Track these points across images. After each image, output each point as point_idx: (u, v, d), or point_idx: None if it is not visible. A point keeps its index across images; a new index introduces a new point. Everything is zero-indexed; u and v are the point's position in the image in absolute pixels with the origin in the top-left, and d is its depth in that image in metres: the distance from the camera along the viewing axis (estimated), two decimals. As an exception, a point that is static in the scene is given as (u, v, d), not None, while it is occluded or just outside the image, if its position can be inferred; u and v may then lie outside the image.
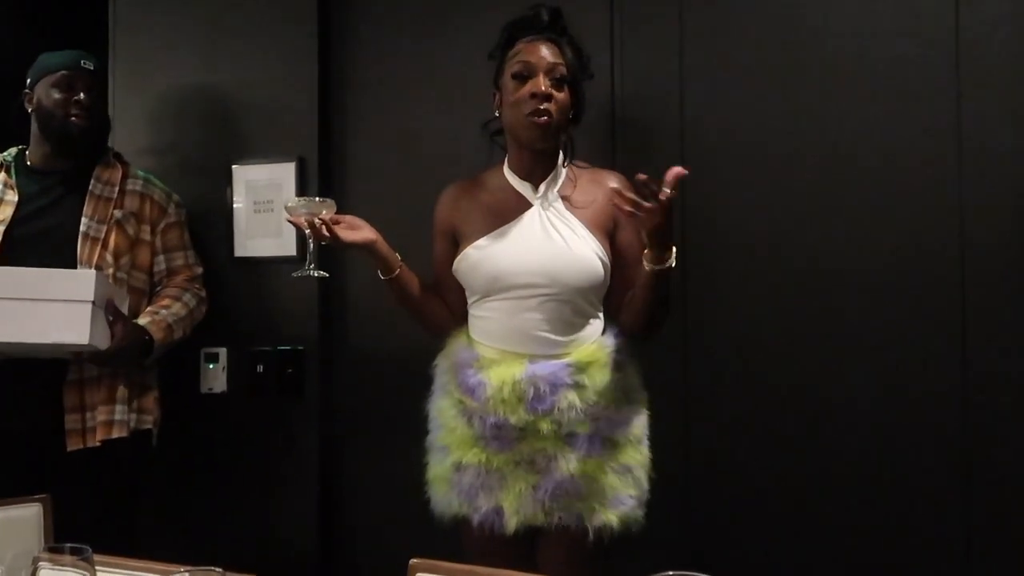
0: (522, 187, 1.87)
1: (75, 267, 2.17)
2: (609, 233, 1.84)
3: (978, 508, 2.01)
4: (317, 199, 1.85)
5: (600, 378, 1.77)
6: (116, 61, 2.69)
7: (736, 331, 2.18)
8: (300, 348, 2.48)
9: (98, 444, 2.14)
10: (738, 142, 2.19)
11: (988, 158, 2.03)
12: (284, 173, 2.49)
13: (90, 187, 2.24)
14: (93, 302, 2.00)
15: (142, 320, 2.20)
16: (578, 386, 1.76)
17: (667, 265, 1.71)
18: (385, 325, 2.43)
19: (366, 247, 1.86)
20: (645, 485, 1.83)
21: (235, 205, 2.54)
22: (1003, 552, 2.00)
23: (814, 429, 2.11)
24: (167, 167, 2.56)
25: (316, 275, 1.87)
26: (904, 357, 2.07)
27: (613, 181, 1.87)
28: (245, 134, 2.56)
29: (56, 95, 2.22)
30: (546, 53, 1.81)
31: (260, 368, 2.49)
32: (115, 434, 2.16)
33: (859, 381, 2.10)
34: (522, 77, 1.80)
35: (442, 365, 1.89)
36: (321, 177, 2.49)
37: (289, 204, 1.84)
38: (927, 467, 2.04)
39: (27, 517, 1.79)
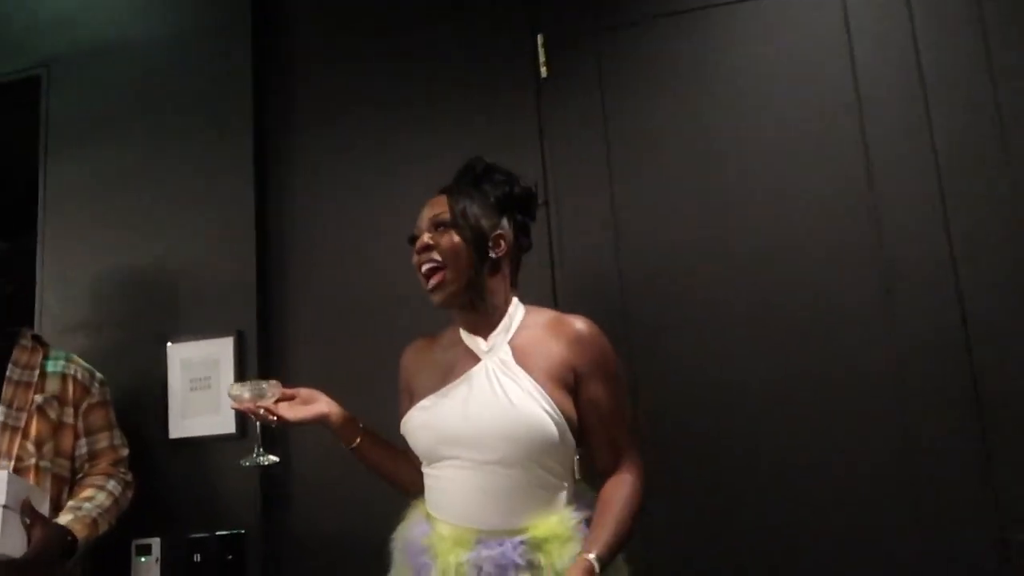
0: (471, 341, 1.72)
1: None
2: (569, 387, 1.65)
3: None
4: (262, 383, 1.77)
5: (560, 557, 1.55)
6: (45, 241, 2.64)
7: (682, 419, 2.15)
8: (241, 532, 2.32)
9: None
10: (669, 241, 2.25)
11: (904, 249, 2.09)
12: (222, 349, 2.41)
13: (7, 373, 2.14)
14: (5, 506, 1.85)
15: (63, 518, 2.03)
16: (532, 567, 1.55)
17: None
18: (332, 504, 2.32)
19: (317, 422, 1.78)
20: None
21: (170, 384, 2.44)
22: None
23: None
24: (99, 347, 2.48)
25: (266, 462, 1.81)
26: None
27: (574, 326, 1.68)
28: (180, 310, 2.49)
29: None
30: (428, 209, 1.74)
31: (197, 557, 2.32)
32: None
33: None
34: (412, 241, 1.75)
35: (397, 540, 1.72)
36: (260, 351, 2.42)
37: (233, 391, 1.77)
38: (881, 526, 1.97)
39: None
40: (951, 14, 2.15)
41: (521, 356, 1.65)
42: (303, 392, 1.80)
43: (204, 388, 2.42)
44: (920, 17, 2.17)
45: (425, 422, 1.67)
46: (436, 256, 1.68)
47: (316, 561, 2.33)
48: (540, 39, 2.40)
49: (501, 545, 1.56)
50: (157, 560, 2.35)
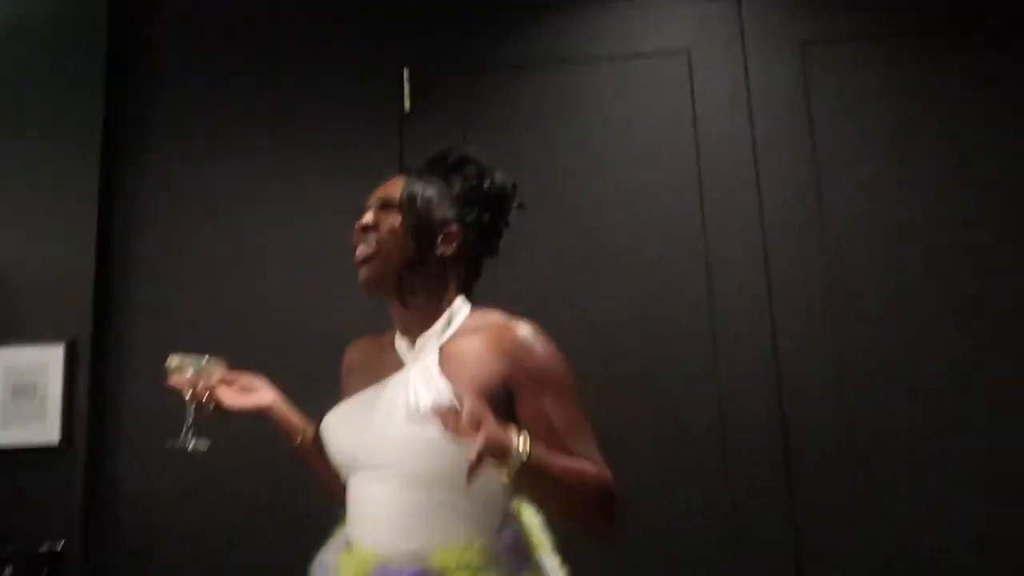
0: (400, 343, 1.53)
1: None
2: (501, 402, 1.39)
3: None
4: (206, 357, 1.56)
5: None
6: None
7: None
8: (60, 544, 2.24)
9: None
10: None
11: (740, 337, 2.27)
12: (51, 356, 2.32)
13: None
14: None
15: None
16: None
17: (512, 469, 1.26)
18: (161, 521, 2.28)
19: (259, 413, 1.59)
20: None
21: (-11, 390, 2.32)
22: None
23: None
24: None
25: (196, 447, 1.55)
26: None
27: (515, 333, 1.44)
28: (9, 312, 2.37)
29: None
30: (385, 186, 1.55)
31: (8, 571, 2.22)
32: None
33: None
34: (359, 216, 1.55)
35: (316, 558, 1.53)
36: (94, 360, 2.35)
37: (172, 363, 1.54)
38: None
39: None
40: (784, 103, 2.39)
41: (448, 363, 1.44)
42: (244, 379, 1.60)
43: (28, 395, 2.31)
44: (757, 108, 2.39)
45: (334, 429, 1.50)
46: (372, 237, 1.49)
47: (140, 579, 2.28)
48: (406, 73, 2.45)
49: (402, 572, 1.36)
50: (-37, 576, 2.23)
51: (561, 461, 1.34)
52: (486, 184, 1.58)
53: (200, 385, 1.53)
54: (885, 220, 2.32)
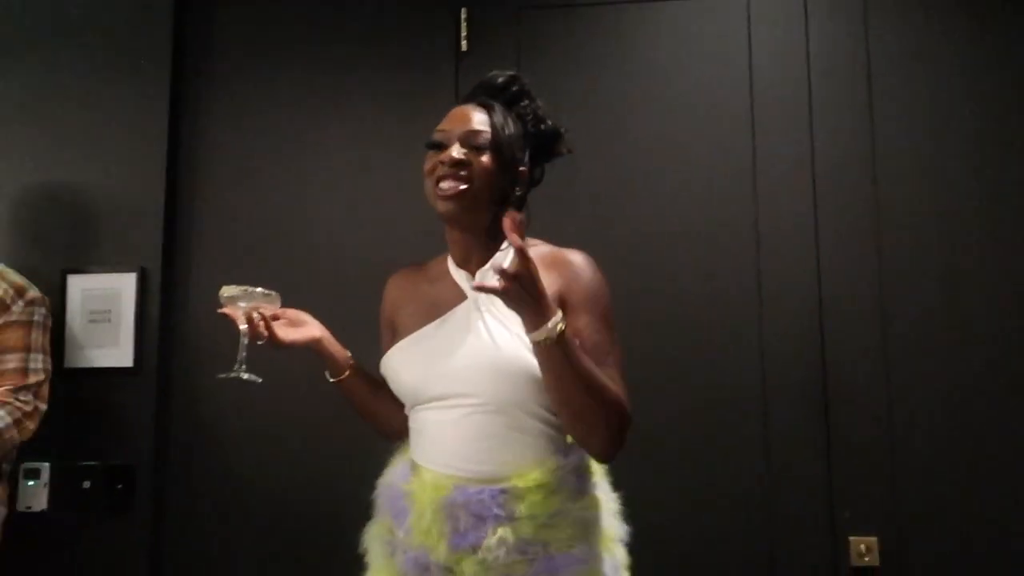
0: (458, 275, 1.56)
1: None
2: None
3: None
4: (260, 290, 1.56)
5: (542, 508, 1.42)
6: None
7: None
8: (132, 464, 2.39)
9: None
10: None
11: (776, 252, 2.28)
12: (124, 284, 2.44)
13: None
14: None
15: None
16: (512, 518, 1.41)
17: (550, 336, 1.32)
18: (228, 438, 2.41)
19: (309, 346, 1.61)
20: None
21: (68, 314, 2.46)
22: None
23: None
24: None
25: (246, 377, 1.56)
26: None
27: (567, 257, 1.52)
28: (83, 241, 2.49)
29: None
30: (468, 117, 1.54)
31: (86, 484, 2.38)
32: None
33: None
34: (436, 145, 1.53)
35: (380, 484, 1.60)
36: (164, 289, 2.47)
37: (226, 293, 1.56)
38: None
39: None
40: (842, 36, 2.37)
41: None
42: (290, 313, 1.62)
43: (104, 321, 2.45)
44: (814, 38, 2.37)
45: (405, 362, 1.55)
46: (463, 174, 1.49)
47: (205, 497, 2.42)
48: (463, 12, 2.48)
49: (480, 494, 1.43)
50: (45, 485, 2.38)
51: (588, 362, 1.38)
52: (545, 126, 1.60)
53: (255, 316, 1.54)
54: (941, 175, 2.30)
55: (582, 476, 1.50)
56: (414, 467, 1.53)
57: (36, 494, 2.39)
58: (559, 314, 1.33)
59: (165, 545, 2.40)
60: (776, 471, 2.25)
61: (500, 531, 1.40)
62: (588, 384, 1.37)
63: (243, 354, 1.56)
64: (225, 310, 1.56)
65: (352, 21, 2.55)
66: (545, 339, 1.32)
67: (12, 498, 2.34)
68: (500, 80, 1.60)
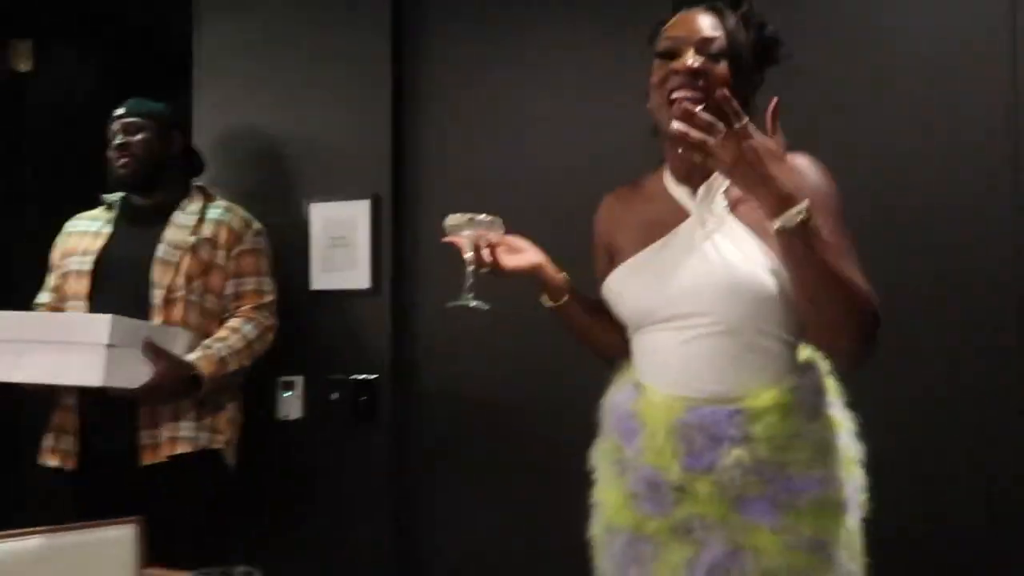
0: (678, 192, 1.52)
1: (150, 289, 2.29)
2: None
3: None
4: (484, 217, 1.54)
5: (779, 429, 1.38)
6: (200, 99, 2.84)
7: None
8: (374, 376, 2.57)
9: (165, 460, 2.23)
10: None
11: None
12: (359, 210, 2.61)
13: (172, 216, 2.40)
14: (109, 345, 2.06)
15: (194, 355, 2.26)
16: (748, 439, 1.37)
17: (791, 223, 1.25)
18: (456, 355, 2.54)
19: (531, 272, 1.59)
20: (850, 569, 1.42)
21: (312, 240, 2.66)
22: None
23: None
24: (249, 202, 2.63)
25: (474, 305, 1.55)
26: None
27: (800, 160, 1.44)
28: (322, 173, 2.68)
29: (111, 143, 2.41)
30: (701, 23, 1.45)
31: (335, 396, 2.59)
32: (179, 450, 2.25)
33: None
34: (668, 54, 1.45)
35: (605, 404, 1.59)
36: (395, 214, 2.61)
37: (450, 222, 1.54)
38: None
39: (122, 538, 1.92)
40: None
41: (736, 207, 1.45)
42: (508, 239, 1.59)
43: (343, 246, 2.63)
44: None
45: (631, 284, 1.51)
46: (701, 84, 1.41)
47: (442, 409, 2.58)
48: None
49: (714, 415, 1.40)
50: (299, 396, 2.63)
51: (834, 256, 1.30)
52: (767, 32, 1.51)
53: (482, 242, 1.53)
54: None
55: (818, 396, 1.44)
56: (640, 388, 1.51)
57: (292, 404, 2.64)
58: (804, 202, 1.25)
59: (406, 450, 2.59)
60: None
61: (736, 452, 1.37)
62: (834, 278, 1.29)
63: (470, 281, 1.55)
64: (450, 238, 1.56)
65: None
66: (783, 226, 1.25)
67: (271, 408, 2.63)
68: None
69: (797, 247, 1.28)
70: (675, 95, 1.42)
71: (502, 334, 2.46)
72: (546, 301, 1.64)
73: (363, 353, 2.60)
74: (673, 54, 1.45)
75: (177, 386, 2.21)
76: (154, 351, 2.17)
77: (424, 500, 2.57)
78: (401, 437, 2.58)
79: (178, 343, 2.26)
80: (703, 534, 1.40)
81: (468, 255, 1.53)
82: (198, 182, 2.54)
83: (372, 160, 2.63)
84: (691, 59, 1.42)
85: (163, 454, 2.24)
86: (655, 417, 1.44)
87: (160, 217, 2.40)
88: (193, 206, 2.44)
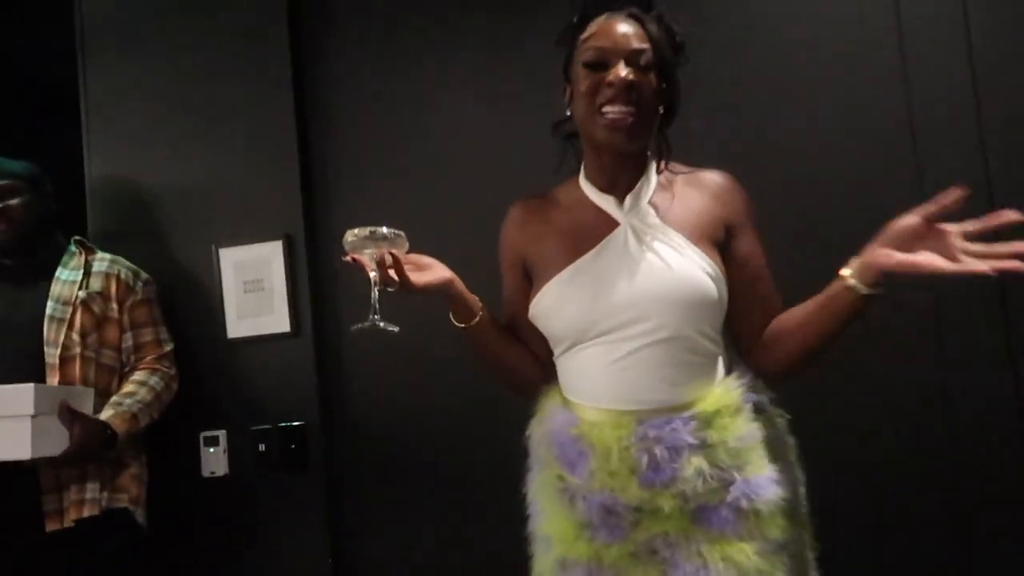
0: (604, 201, 1.48)
1: (42, 349, 2.20)
2: (720, 245, 1.46)
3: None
4: (385, 230, 1.41)
5: (732, 431, 1.38)
6: (91, 143, 2.70)
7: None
8: (301, 423, 2.47)
9: (72, 524, 2.15)
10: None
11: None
12: (272, 252, 2.51)
13: (57, 274, 2.31)
14: (32, 415, 2.01)
15: (104, 413, 2.20)
16: (705, 445, 1.36)
17: (874, 291, 1.32)
18: (385, 391, 2.47)
19: (441, 290, 1.47)
20: (809, 566, 1.44)
21: (224, 286, 2.54)
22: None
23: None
24: (150, 252, 2.56)
25: (383, 326, 1.42)
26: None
27: (715, 178, 1.49)
28: (229, 216, 2.57)
29: None
30: (627, 34, 1.42)
31: (262, 447, 2.48)
32: (86, 513, 2.17)
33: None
34: (596, 64, 1.42)
35: (536, 433, 1.52)
36: (310, 252, 2.52)
37: (349, 238, 1.42)
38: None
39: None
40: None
41: (664, 215, 1.45)
42: (413, 257, 1.46)
43: (258, 290, 2.52)
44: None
45: (566, 299, 1.45)
46: (634, 97, 1.40)
47: (374, 449, 2.48)
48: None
49: (670, 423, 1.37)
50: (224, 451, 2.51)
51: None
52: (679, 37, 1.48)
53: (387, 259, 1.38)
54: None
55: (756, 394, 1.44)
56: (576, 409, 1.45)
57: (217, 460, 2.52)
58: (847, 280, 1.34)
59: (341, 496, 2.49)
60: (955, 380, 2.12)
61: (695, 460, 1.35)
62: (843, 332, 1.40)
63: (375, 300, 1.43)
64: (353, 256, 1.42)
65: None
66: (868, 292, 1.33)
67: (196, 465, 2.51)
68: None
69: (859, 310, 1.34)
70: (608, 108, 1.40)
71: (432, 368, 2.41)
72: (457, 322, 1.52)
73: (289, 399, 2.49)
74: (602, 65, 1.42)
75: (95, 447, 2.15)
76: (70, 414, 2.10)
77: (362, 546, 2.48)
78: (335, 483, 2.49)
79: (86, 404, 2.19)
80: (668, 553, 1.36)
81: (372, 273, 1.40)
82: (76, 237, 2.43)
83: (281, 199, 2.53)
84: (624, 71, 1.39)
85: (69, 519, 2.16)
86: (604, 437, 1.39)
87: (43, 276, 2.31)
88: (75, 261, 2.35)
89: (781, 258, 1.55)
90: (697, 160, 1.54)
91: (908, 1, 2.19)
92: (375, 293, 1.42)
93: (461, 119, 2.49)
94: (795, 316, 1.43)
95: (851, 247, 1.35)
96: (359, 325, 1.42)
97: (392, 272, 1.38)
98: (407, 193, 2.50)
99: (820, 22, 2.26)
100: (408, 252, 1.44)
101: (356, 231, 1.40)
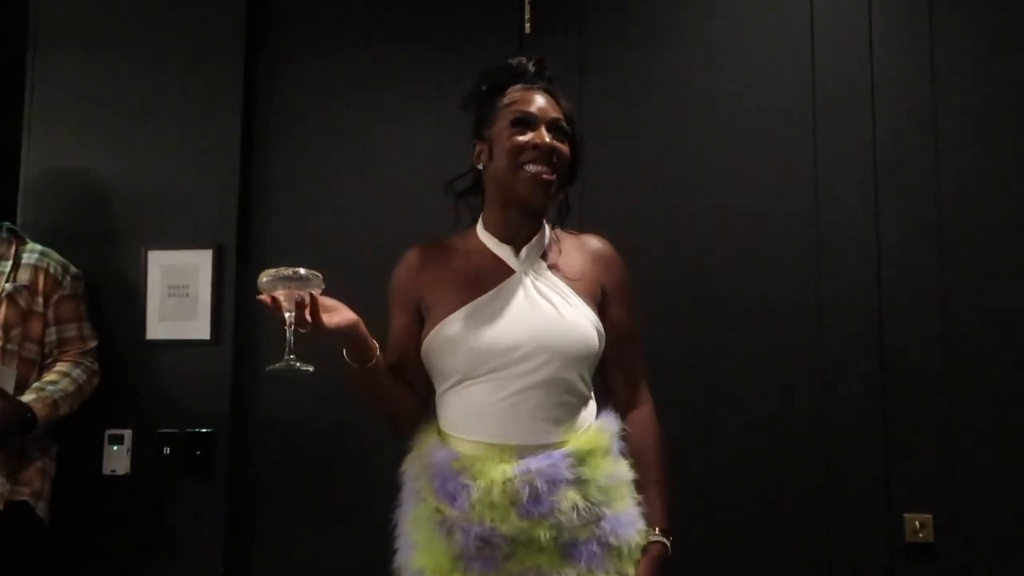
0: (501, 250, 1.61)
1: None
2: (599, 304, 1.61)
3: None
4: (304, 271, 1.40)
5: (604, 469, 1.50)
6: (31, 135, 2.70)
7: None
8: (210, 431, 2.50)
9: None
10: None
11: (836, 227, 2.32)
12: (201, 260, 2.55)
13: None
14: None
15: (27, 396, 2.22)
16: (579, 481, 1.47)
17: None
18: (298, 408, 2.51)
19: (348, 332, 1.49)
20: None
21: (148, 288, 2.57)
22: None
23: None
24: (79, 248, 2.56)
25: (299, 367, 1.43)
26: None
27: (598, 244, 1.68)
28: (161, 219, 2.60)
29: None
30: (546, 104, 1.59)
31: (167, 450, 2.50)
32: None
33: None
34: (523, 125, 1.56)
35: (412, 469, 1.58)
36: (239, 264, 2.57)
37: (264, 279, 1.41)
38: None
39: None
40: (904, 24, 2.38)
41: (555, 268, 1.61)
42: (322, 298, 1.46)
43: (182, 295, 2.56)
44: (877, 16, 2.39)
45: (463, 336, 1.53)
46: (555, 161, 1.57)
47: (279, 464, 2.53)
48: (528, -7, 2.52)
49: (549, 458, 1.47)
50: (128, 450, 2.52)
51: (668, 492, 1.60)
52: (570, 107, 1.66)
53: (306, 299, 1.39)
54: (1001, 145, 2.31)
55: (618, 439, 1.58)
56: (452, 443, 1.54)
57: (120, 458, 2.52)
58: (659, 539, 1.56)
59: (241, 506, 2.52)
60: (833, 448, 2.29)
61: (570, 494, 1.46)
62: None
63: (290, 342, 1.42)
64: (273, 295, 1.40)
65: (418, 5, 2.61)
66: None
67: (97, 462, 2.51)
68: (534, 64, 1.65)
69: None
70: (531, 168, 1.55)
71: (343, 389, 2.46)
72: (353, 362, 1.54)
73: (200, 406, 2.52)
74: (528, 127, 1.57)
75: (14, 427, 2.17)
76: None
77: (256, 558, 2.51)
78: (238, 494, 2.52)
79: (8, 383, 2.21)
80: None
81: (287, 314, 1.39)
82: (8, 224, 2.44)
83: (217, 210, 2.58)
84: (548, 137, 1.56)
85: None
86: (487, 471, 1.47)
87: None
88: (4, 250, 2.35)
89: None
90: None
91: (822, 80, 2.40)
92: (289, 334, 1.41)
93: (404, 145, 2.58)
94: (643, 458, 1.59)
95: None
96: (274, 366, 1.44)
97: (307, 314, 1.39)
98: (342, 217, 2.57)
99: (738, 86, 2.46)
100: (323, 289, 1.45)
101: (272, 271, 1.40)
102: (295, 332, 1.41)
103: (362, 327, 1.52)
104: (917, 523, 2.23)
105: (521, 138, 1.56)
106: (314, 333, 1.42)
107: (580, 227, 1.73)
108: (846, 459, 2.29)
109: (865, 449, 2.28)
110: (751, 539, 2.30)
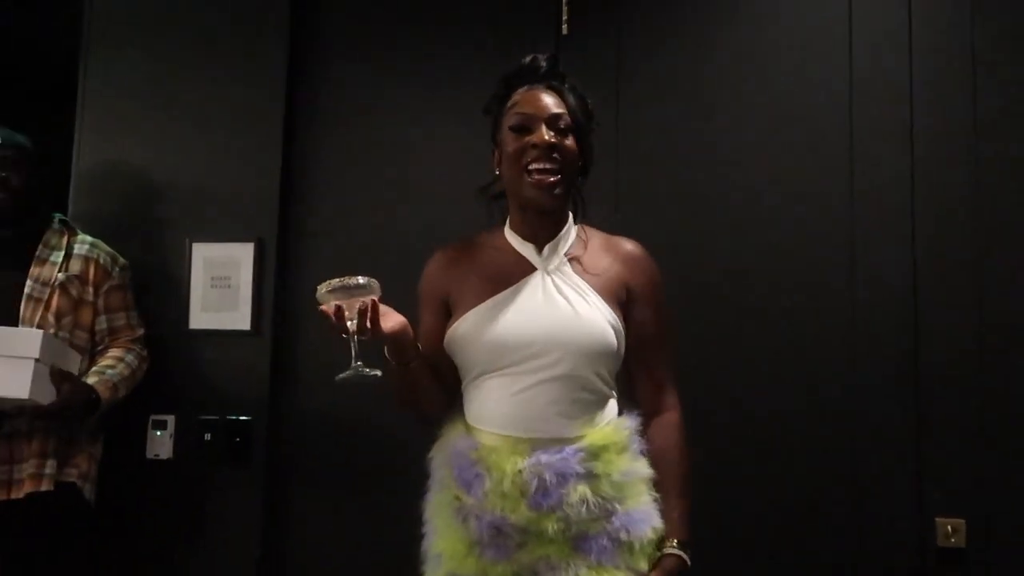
0: (524, 248, 1.64)
1: (17, 326, 2.27)
2: (622, 304, 1.62)
3: None
4: (362, 280, 1.44)
5: (616, 466, 1.52)
6: (83, 131, 2.79)
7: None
8: (248, 418, 2.57)
9: (22, 497, 2.19)
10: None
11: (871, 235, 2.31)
12: (243, 252, 2.63)
13: (37, 252, 2.38)
14: (37, 359, 2.13)
15: (90, 379, 2.30)
16: (590, 476, 1.50)
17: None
18: (335, 399, 2.56)
19: (400, 335, 1.52)
20: None
21: (192, 279, 2.65)
22: None
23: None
24: (126, 240, 2.63)
25: (367, 372, 1.47)
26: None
27: (629, 247, 1.67)
28: (205, 213, 2.68)
29: None
30: (547, 101, 1.60)
31: (208, 436, 2.58)
32: (41, 487, 2.21)
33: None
34: (522, 129, 1.59)
35: (438, 457, 1.62)
36: (279, 258, 2.63)
37: (324, 289, 1.45)
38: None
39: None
40: (947, 25, 2.36)
41: (581, 268, 1.62)
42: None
43: (224, 287, 2.63)
44: (917, 24, 2.37)
45: (481, 330, 1.57)
46: (556, 157, 1.57)
47: (316, 453, 2.59)
48: (565, -4, 2.55)
49: (560, 452, 1.50)
50: (171, 436, 2.60)
51: (686, 501, 1.60)
52: (590, 103, 1.67)
53: (363, 306, 1.43)
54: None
55: (639, 437, 1.59)
56: (475, 433, 1.57)
57: (163, 443, 2.61)
58: (676, 552, 1.55)
59: (279, 493, 2.59)
60: (864, 450, 2.29)
61: (580, 488, 1.48)
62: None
63: (355, 350, 1.46)
64: (323, 307, 1.45)
65: (456, 5, 2.65)
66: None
67: (141, 446, 2.60)
68: (544, 63, 1.66)
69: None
70: (533, 167, 1.57)
71: (381, 384, 2.51)
72: (393, 359, 1.55)
73: (240, 394, 2.59)
74: (526, 129, 1.59)
75: (79, 408, 2.25)
76: (61, 373, 2.21)
77: (291, 544, 2.57)
78: (275, 480, 2.58)
79: (74, 366, 2.30)
80: (549, 575, 1.50)
81: (351, 323, 1.43)
82: (59, 215, 2.51)
83: (258, 205, 2.65)
84: (547, 134, 1.57)
85: (23, 491, 2.20)
86: (500, 461, 1.51)
87: (23, 251, 2.37)
88: (56, 240, 2.42)
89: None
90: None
91: (858, 97, 2.39)
92: (354, 342, 1.45)
93: (441, 145, 2.63)
94: (664, 464, 1.60)
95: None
96: (343, 375, 1.47)
97: (367, 321, 1.43)
98: (380, 214, 2.62)
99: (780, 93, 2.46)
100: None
101: (336, 281, 1.44)
102: (359, 339, 1.45)
103: (411, 329, 1.56)
104: (949, 527, 2.21)
105: (520, 142, 1.58)
106: (372, 338, 1.47)
107: (615, 228, 1.74)
108: (878, 462, 2.28)
109: (897, 452, 2.27)
110: (780, 542, 2.31)
